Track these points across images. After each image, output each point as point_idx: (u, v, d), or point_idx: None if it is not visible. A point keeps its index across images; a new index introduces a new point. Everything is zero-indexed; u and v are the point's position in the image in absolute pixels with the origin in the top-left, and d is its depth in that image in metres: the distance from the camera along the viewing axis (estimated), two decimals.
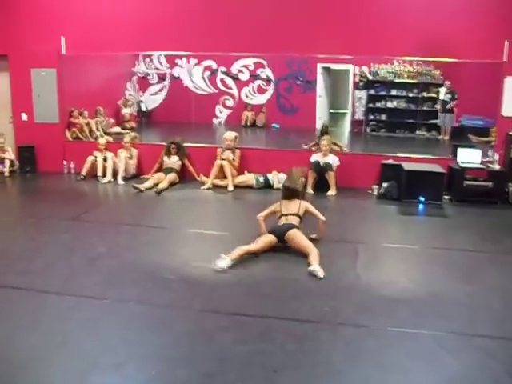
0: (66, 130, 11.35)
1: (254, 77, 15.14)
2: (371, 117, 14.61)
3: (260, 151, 10.61)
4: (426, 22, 9.31)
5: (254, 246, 6.06)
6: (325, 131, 10.43)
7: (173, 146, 10.21)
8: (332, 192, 9.31)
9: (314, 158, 9.58)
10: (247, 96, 15.40)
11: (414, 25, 9.39)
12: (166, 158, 10.21)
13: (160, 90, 16.02)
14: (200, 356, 3.95)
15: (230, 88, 15.44)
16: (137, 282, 5.31)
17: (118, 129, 13.53)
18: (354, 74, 14.50)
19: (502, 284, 5.47)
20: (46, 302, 4.87)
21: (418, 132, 14.21)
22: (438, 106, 13.39)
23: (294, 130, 11.30)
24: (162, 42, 10.58)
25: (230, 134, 10.22)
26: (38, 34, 10.66)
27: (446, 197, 8.88)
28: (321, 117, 14.54)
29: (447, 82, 12.71)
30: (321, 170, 9.42)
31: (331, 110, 15.68)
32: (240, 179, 9.89)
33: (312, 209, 6.68)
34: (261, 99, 15.20)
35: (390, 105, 14.53)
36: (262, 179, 9.77)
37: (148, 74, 15.89)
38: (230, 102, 15.51)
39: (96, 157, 10.36)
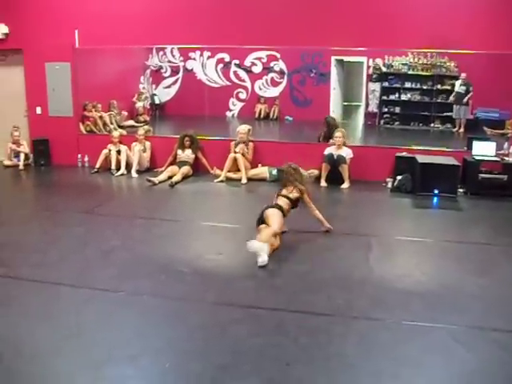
0: (80, 124, 11.40)
1: (267, 69, 15.10)
2: (385, 109, 14.53)
3: (273, 144, 10.59)
4: (440, 12, 9.25)
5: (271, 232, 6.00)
6: (333, 124, 10.39)
7: (186, 138, 10.23)
8: (345, 185, 9.29)
9: (328, 150, 9.55)
10: (260, 89, 15.36)
11: (428, 16, 9.33)
12: (179, 151, 10.23)
13: (173, 83, 16.02)
14: (214, 349, 3.96)
15: (244, 81, 15.41)
16: (151, 275, 5.33)
17: (131, 122, 13.56)
18: (368, 67, 14.43)
19: None
20: (60, 295, 4.91)
21: (432, 125, 14.12)
22: (451, 98, 13.28)
23: (307, 123, 11.26)
24: (176, 35, 10.59)
25: (244, 127, 10.22)
26: (52, 28, 10.71)
27: (461, 190, 8.82)
28: (334, 110, 14.50)
29: (463, 74, 12.58)
30: (334, 163, 9.39)
31: (345, 103, 15.63)
32: (253, 172, 9.90)
33: (306, 198, 6.59)
34: (274, 92, 15.17)
35: (404, 97, 14.44)
36: (275, 172, 9.76)
37: (161, 67, 15.90)
38: (243, 95, 15.49)
39: (110, 150, 10.40)
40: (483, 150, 9.02)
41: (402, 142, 10.62)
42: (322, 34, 9.81)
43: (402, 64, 14.19)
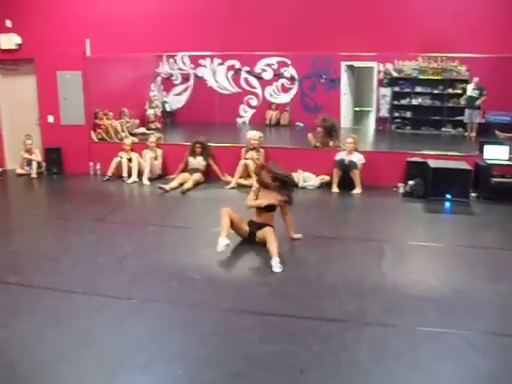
0: (92, 132, 11.46)
1: (277, 76, 15.13)
2: (396, 114, 14.52)
3: (284, 150, 10.59)
4: (450, 17, 9.26)
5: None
6: (330, 128, 10.44)
7: (197, 145, 10.25)
8: (357, 190, 9.26)
9: (339, 156, 9.54)
10: (271, 95, 15.40)
11: (438, 20, 9.33)
12: (190, 158, 10.24)
13: (184, 91, 16.09)
14: (226, 356, 3.96)
15: (254, 87, 15.45)
16: (163, 282, 5.34)
17: (142, 129, 13.63)
18: (378, 72, 14.43)
19: None
20: (72, 302, 4.92)
21: (443, 129, 14.09)
22: (462, 102, 13.24)
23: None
24: (186, 43, 10.66)
25: (255, 134, 10.23)
26: (63, 38, 10.79)
27: (473, 194, 8.77)
28: (345, 115, 14.50)
29: (475, 79, 12.52)
30: (346, 168, 9.37)
31: (356, 108, 15.63)
32: None
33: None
34: (285, 98, 15.20)
35: (414, 102, 14.43)
36: None
37: (172, 75, 15.98)
38: (253, 102, 15.53)
39: (121, 157, 10.44)
40: (495, 153, 8.98)
41: (414, 146, 10.59)
42: (332, 40, 9.85)
43: (413, 68, 14.18)
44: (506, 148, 9.04)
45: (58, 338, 4.21)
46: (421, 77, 14.15)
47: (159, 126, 14.54)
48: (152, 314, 4.67)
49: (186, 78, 15.91)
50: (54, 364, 3.85)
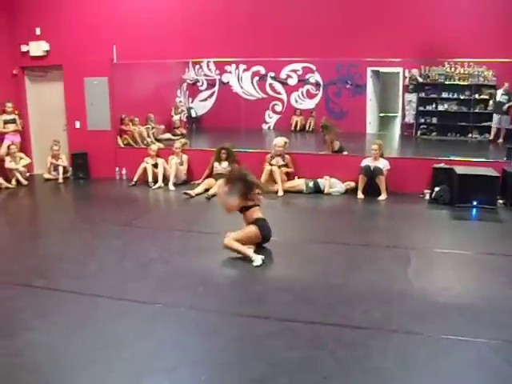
0: (118, 137, 11.56)
1: (302, 81, 15.11)
2: (422, 120, 14.40)
3: (309, 156, 10.58)
4: (476, 21, 9.17)
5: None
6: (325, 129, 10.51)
7: (223, 151, 10.28)
8: (383, 197, 9.22)
9: (365, 162, 9.51)
10: (296, 101, 15.38)
11: (464, 25, 9.25)
12: (216, 164, 10.28)
13: (209, 96, 16.14)
14: (250, 362, 3.95)
15: (279, 93, 15.44)
16: (188, 287, 5.35)
17: (168, 135, 13.69)
18: (404, 77, 14.33)
19: None
20: (98, 307, 4.95)
21: (470, 135, 13.93)
22: (491, 101, 13.03)
23: (343, 135, 11.26)
24: (211, 49, 10.70)
25: (280, 140, 10.24)
26: (90, 44, 10.92)
27: (500, 201, 8.67)
28: (371, 121, 14.43)
29: (506, 84, 12.37)
30: (371, 175, 9.33)
31: (381, 114, 15.54)
32: (290, 184, 9.90)
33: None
34: (310, 104, 15.17)
35: (440, 107, 14.29)
36: (311, 184, 9.74)
37: (197, 81, 16.04)
38: (279, 107, 15.52)
39: (147, 163, 10.52)
40: None
41: (440, 152, 10.49)
42: (358, 46, 9.80)
43: (439, 74, 14.05)
44: None
45: (84, 341, 4.25)
46: (447, 82, 14.03)
47: (184, 131, 14.59)
48: (177, 319, 4.68)
49: (211, 84, 15.96)
50: (80, 367, 3.87)
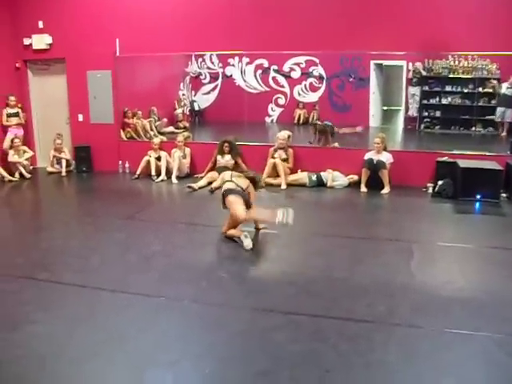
0: (121, 130, 11.56)
1: (306, 75, 15.07)
2: (425, 113, 14.36)
3: (312, 149, 10.57)
4: (479, 14, 9.13)
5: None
6: (322, 129, 10.54)
7: (226, 144, 10.27)
8: (386, 190, 9.21)
9: (368, 155, 9.49)
10: (299, 94, 15.35)
11: (468, 18, 9.21)
12: (219, 157, 10.28)
13: (212, 90, 16.11)
14: (253, 355, 3.95)
15: (282, 86, 15.41)
16: (191, 280, 5.36)
17: (171, 128, 13.68)
18: (408, 70, 14.28)
19: None
20: (101, 300, 4.96)
21: (473, 128, 13.89)
22: (497, 90, 12.94)
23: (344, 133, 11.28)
24: (214, 42, 10.67)
25: (283, 134, 10.23)
26: (93, 38, 10.91)
27: (504, 195, 8.66)
28: (374, 114, 14.40)
29: None
30: (374, 168, 9.32)
31: (384, 107, 15.51)
32: (293, 178, 9.89)
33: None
34: (313, 97, 15.13)
35: (444, 101, 14.24)
36: (314, 177, 9.73)
37: (200, 74, 16.01)
38: (282, 101, 15.49)
39: (150, 156, 10.52)
40: None
41: (443, 146, 10.47)
42: (361, 39, 9.77)
43: (443, 67, 14.00)
44: None
45: (87, 334, 4.26)
46: (451, 76, 13.98)
47: (187, 124, 14.57)
48: (180, 312, 4.69)
49: (214, 77, 15.93)
50: (83, 360, 3.88)
